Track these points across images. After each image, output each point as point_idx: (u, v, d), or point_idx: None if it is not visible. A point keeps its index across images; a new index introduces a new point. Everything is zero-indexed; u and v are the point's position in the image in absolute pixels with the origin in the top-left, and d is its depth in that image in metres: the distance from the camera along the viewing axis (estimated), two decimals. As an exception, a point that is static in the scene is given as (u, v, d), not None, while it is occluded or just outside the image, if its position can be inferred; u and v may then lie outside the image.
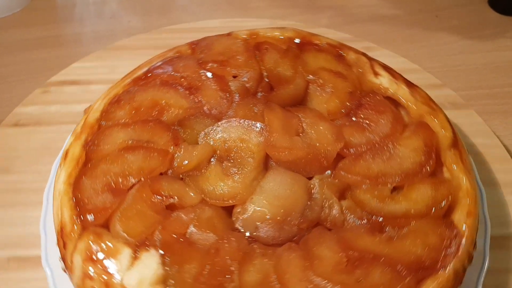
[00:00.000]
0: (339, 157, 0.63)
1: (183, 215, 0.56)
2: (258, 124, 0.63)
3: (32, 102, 0.86)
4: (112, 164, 0.60)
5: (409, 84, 0.71)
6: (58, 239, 0.56)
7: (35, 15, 1.13)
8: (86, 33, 1.09)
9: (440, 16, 1.19)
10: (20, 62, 1.01)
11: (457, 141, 0.63)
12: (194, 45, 0.78)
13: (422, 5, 1.23)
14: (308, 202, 0.59)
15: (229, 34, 0.79)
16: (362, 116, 0.67)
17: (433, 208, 0.56)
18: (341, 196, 0.60)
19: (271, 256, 0.53)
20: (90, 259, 0.52)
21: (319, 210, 0.58)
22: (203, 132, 0.64)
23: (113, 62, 0.94)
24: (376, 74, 0.72)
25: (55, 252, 0.57)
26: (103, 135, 0.64)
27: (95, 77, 0.91)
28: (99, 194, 0.57)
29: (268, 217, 0.57)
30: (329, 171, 0.62)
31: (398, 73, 0.73)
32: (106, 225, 0.55)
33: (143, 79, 0.72)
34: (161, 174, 0.61)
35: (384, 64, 0.75)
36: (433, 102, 0.69)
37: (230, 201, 0.58)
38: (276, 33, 0.78)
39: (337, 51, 0.76)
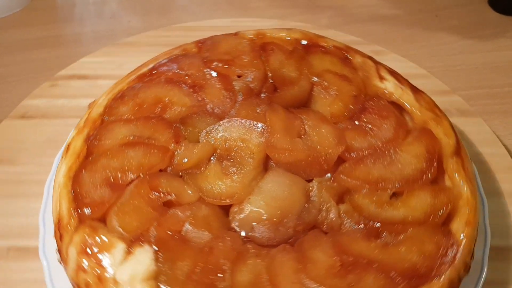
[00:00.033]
0: (340, 160, 0.62)
1: (179, 213, 0.56)
2: (259, 125, 0.63)
3: (40, 95, 0.87)
4: (112, 159, 0.60)
5: (415, 90, 0.70)
6: (55, 231, 0.56)
7: (35, 15, 1.14)
8: (86, 33, 1.09)
9: (440, 16, 1.19)
10: (19, 62, 1.01)
11: (460, 148, 0.63)
12: (201, 44, 0.78)
13: (422, 5, 1.23)
14: (306, 205, 0.58)
15: (236, 34, 0.79)
16: (365, 120, 0.67)
17: (432, 215, 0.55)
18: (340, 199, 0.60)
19: (265, 257, 0.53)
20: (84, 252, 0.52)
21: (316, 213, 0.58)
22: (204, 131, 0.64)
23: (121, 58, 0.94)
24: (381, 78, 0.71)
25: (53, 244, 0.58)
26: (105, 130, 0.64)
27: (103, 72, 0.92)
28: (98, 188, 0.57)
29: (264, 217, 0.57)
30: (329, 174, 0.62)
31: (404, 78, 0.72)
32: (103, 219, 0.56)
33: (148, 76, 0.72)
34: (160, 171, 0.61)
35: (390, 68, 0.74)
36: (438, 108, 0.68)
37: (227, 201, 0.58)
38: (282, 34, 0.78)
39: (343, 54, 0.75)
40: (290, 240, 0.56)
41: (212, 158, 0.62)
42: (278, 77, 0.72)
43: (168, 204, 0.58)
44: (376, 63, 0.74)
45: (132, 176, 0.59)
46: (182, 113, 0.67)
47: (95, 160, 0.60)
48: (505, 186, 0.74)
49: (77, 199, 0.56)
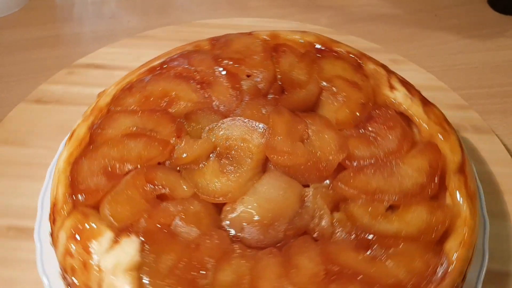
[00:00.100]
0: (341, 168, 0.62)
1: (171, 207, 0.56)
2: (261, 126, 0.63)
3: (56, 81, 0.89)
4: (112, 148, 0.61)
5: (425, 102, 0.68)
6: (50, 214, 0.58)
7: (33, 15, 1.14)
8: (85, 33, 1.10)
9: (439, 16, 1.19)
10: (18, 62, 1.01)
11: (464, 166, 0.60)
12: (214, 41, 0.78)
13: (422, 5, 1.22)
14: (299, 210, 0.58)
15: (250, 34, 0.79)
16: (370, 129, 0.66)
17: (426, 232, 0.54)
18: (335, 207, 0.59)
19: (250, 259, 0.52)
20: (73, 237, 0.53)
21: (309, 219, 0.57)
22: (207, 127, 0.64)
23: (139, 50, 0.96)
24: (392, 88, 0.70)
25: (48, 227, 0.59)
26: (109, 119, 0.65)
27: (120, 63, 0.93)
28: (95, 176, 0.58)
29: (255, 219, 0.56)
30: (328, 181, 0.61)
31: (415, 90, 0.71)
32: (97, 207, 0.57)
33: (158, 70, 0.73)
34: (159, 164, 0.61)
35: (403, 78, 0.72)
36: (447, 123, 0.66)
37: (221, 199, 0.58)
38: (296, 36, 0.77)
39: (356, 60, 0.74)
40: (279, 244, 0.56)
41: (211, 155, 0.62)
42: (287, 79, 0.72)
43: (162, 198, 0.58)
44: (389, 72, 0.73)
45: (129, 166, 0.59)
46: (188, 108, 0.68)
47: (96, 148, 0.61)
48: (513, 208, 0.72)
49: (73, 185, 0.57)
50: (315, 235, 0.57)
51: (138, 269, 0.50)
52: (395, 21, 1.16)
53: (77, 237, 0.53)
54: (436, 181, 0.59)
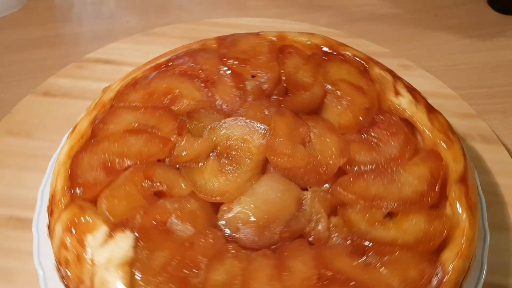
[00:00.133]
0: (342, 172, 0.61)
1: (167, 204, 0.56)
2: (263, 127, 0.63)
3: (65, 75, 0.90)
4: (113, 143, 0.61)
5: (430, 109, 0.67)
6: (48, 206, 0.58)
7: (32, 15, 1.13)
8: (84, 33, 1.09)
9: (439, 15, 1.18)
10: (18, 62, 1.00)
11: (467, 176, 0.59)
12: (221, 40, 0.78)
13: (422, 4, 1.22)
14: (296, 213, 0.57)
15: (258, 34, 0.79)
16: (373, 134, 0.65)
17: (423, 241, 0.53)
18: (333, 212, 0.58)
19: (243, 260, 0.52)
20: (69, 230, 0.53)
21: (305, 222, 0.57)
22: (209, 126, 0.64)
23: (148, 47, 0.96)
24: (397, 93, 0.69)
25: (46, 219, 0.59)
26: (112, 114, 0.66)
27: (128, 59, 0.94)
28: (94, 170, 0.58)
29: (251, 220, 0.56)
30: (327, 185, 0.61)
31: (421, 96, 0.70)
32: (94, 201, 0.57)
33: (164, 67, 0.73)
34: (159, 161, 0.62)
35: (409, 85, 0.72)
36: (452, 131, 0.65)
37: (218, 198, 0.58)
38: (303, 38, 0.77)
39: (362, 64, 0.73)
40: (274, 246, 0.55)
41: (212, 154, 0.62)
42: (292, 81, 0.71)
43: (159, 195, 0.58)
44: (395, 77, 0.72)
45: (129, 162, 0.60)
46: (191, 106, 0.68)
47: (97, 143, 0.62)
48: (517, 221, 0.70)
49: (72, 178, 0.58)
50: (311, 239, 0.56)
51: (131, 264, 0.50)
52: (395, 21, 1.16)
53: (73, 230, 0.53)
54: (436, 190, 0.58)
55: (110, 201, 0.56)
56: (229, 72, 0.71)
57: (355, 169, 0.61)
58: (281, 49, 0.75)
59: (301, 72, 0.72)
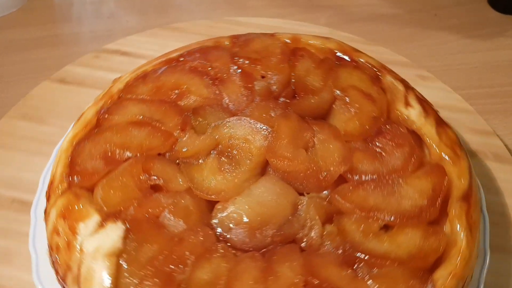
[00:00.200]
0: (343, 180, 0.60)
1: (162, 198, 0.56)
2: (266, 128, 0.62)
3: (82, 64, 0.91)
4: (116, 134, 0.62)
5: (440, 123, 0.65)
6: (46, 191, 0.59)
7: (32, 14, 1.13)
8: (84, 33, 1.09)
9: (439, 15, 1.17)
10: (17, 62, 1.00)
11: (470, 194, 0.57)
12: (235, 39, 0.78)
13: (422, 4, 1.21)
14: (290, 217, 0.57)
15: (272, 35, 0.78)
16: (378, 144, 0.64)
17: (416, 257, 0.52)
18: (329, 220, 0.57)
19: (230, 260, 0.52)
20: (62, 216, 0.54)
21: (299, 228, 0.56)
22: (213, 124, 0.64)
23: (166, 41, 0.97)
24: (407, 104, 0.67)
25: (44, 203, 0.60)
26: (118, 105, 0.66)
27: (145, 52, 0.95)
28: (94, 159, 0.59)
29: (244, 221, 0.56)
30: (326, 192, 0.60)
31: (433, 109, 0.68)
32: (92, 190, 0.57)
33: (175, 62, 0.74)
34: (159, 155, 0.62)
35: (421, 96, 0.70)
36: (460, 147, 0.63)
37: (213, 196, 0.58)
38: (317, 42, 0.76)
39: (375, 72, 0.72)
40: (264, 250, 0.55)
41: (212, 152, 0.62)
42: (301, 84, 0.71)
43: (156, 188, 0.58)
44: (407, 88, 0.70)
45: (129, 154, 0.60)
46: (197, 103, 0.68)
47: (100, 132, 0.62)
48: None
49: (71, 165, 0.59)
50: (303, 244, 0.55)
51: (118, 255, 0.51)
52: (395, 21, 1.15)
53: (66, 216, 0.54)
54: (437, 206, 0.56)
55: (105, 191, 0.56)
56: (239, 71, 0.71)
57: (356, 178, 0.60)
58: (294, 51, 0.74)
59: (312, 76, 0.71)
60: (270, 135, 0.62)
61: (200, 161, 0.61)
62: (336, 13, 1.16)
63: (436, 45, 1.09)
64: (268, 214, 0.56)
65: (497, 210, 0.71)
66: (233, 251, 0.54)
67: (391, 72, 0.73)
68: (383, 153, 0.62)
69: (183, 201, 0.57)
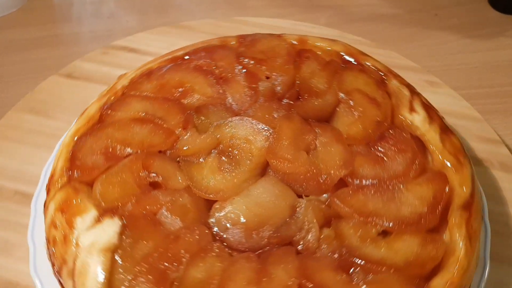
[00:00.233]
0: (344, 184, 0.60)
1: (160, 195, 0.56)
2: (268, 129, 0.62)
3: (90, 59, 0.92)
4: (118, 130, 0.62)
5: (444, 129, 0.65)
6: (47, 185, 0.59)
7: (32, 14, 1.13)
8: (84, 33, 1.09)
9: (439, 15, 1.17)
10: (17, 62, 1.00)
11: (472, 203, 0.56)
12: (242, 39, 0.78)
13: (422, 4, 1.21)
14: (288, 219, 0.56)
15: (279, 36, 0.78)
16: (380, 149, 0.63)
17: (413, 265, 0.51)
18: (327, 223, 0.57)
19: (225, 260, 0.52)
20: (60, 209, 0.54)
21: (296, 230, 0.56)
22: (215, 123, 0.64)
23: (175, 39, 0.97)
24: (412, 109, 0.67)
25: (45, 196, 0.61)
26: (122, 102, 0.67)
27: (153, 49, 0.95)
28: (94, 154, 0.59)
29: (241, 221, 0.55)
30: (326, 195, 0.59)
31: (438, 115, 0.67)
32: (91, 185, 0.58)
33: (180, 60, 0.74)
34: (160, 152, 0.62)
35: (427, 102, 0.69)
36: (464, 155, 0.62)
37: (212, 195, 0.58)
38: (324, 44, 0.75)
39: (380, 76, 0.71)
40: (260, 251, 0.55)
41: (213, 151, 0.62)
42: (306, 86, 0.70)
43: (155, 186, 0.58)
44: (413, 93, 0.69)
45: (130, 150, 0.60)
46: (200, 101, 0.68)
47: (102, 128, 0.63)
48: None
49: (72, 160, 0.59)
50: (299, 247, 0.55)
51: (114, 251, 0.51)
52: (395, 21, 1.15)
53: (64, 210, 0.54)
54: (437, 214, 0.55)
55: (104, 186, 0.56)
56: (244, 71, 0.71)
57: (357, 182, 0.60)
58: (300, 53, 0.74)
59: (316, 78, 0.71)
60: (271, 136, 0.62)
61: (200, 160, 0.61)
62: (336, 13, 1.16)
63: (436, 45, 1.09)
64: (265, 215, 0.56)
65: (501, 220, 0.69)
66: (229, 251, 0.54)
67: (397, 77, 0.72)
68: (385, 158, 0.62)
69: (181, 199, 0.57)
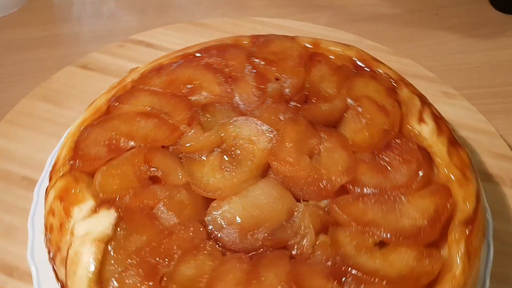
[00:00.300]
0: (345, 191, 0.59)
1: (158, 190, 0.57)
2: (272, 131, 0.62)
3: (107, 52, 0.93)
4: (123, 123, 0.63)
5: (453, 143, 0.63)
6: (50, 172, 0.60)
7: (32, 14, 1.12)
8: (83, 33, 1.09)
9: (440, 15, 1.16)
10: (17, 62, 0.99)
11: (474, 220, 0.55)
12: (255, 39, 0.78)
13: (422, 4, 1.19)
14: (284, 223, 0.56)
15: (293, 38, 0.78)
16: (385, 157, 0.62)
17: (407, 278, 0.50)
18: (324, 230, 0.56)
19: (216, 259, 0.51)
20: (59, 197, 0.55)
21: (291, 234, 0.55)
22: (220, 122, 0.64)
23: (190, 36, 0.98)
24: (421, 120, 0.65)
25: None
26: (130, 95, 0.67)
27: (169, 45, 0.96)
28: (98, 145, 0.60)
29: (236, 221, 0.55)
30: (326, 201, 0.59)
31: (447, 128, 0.65)
32: (93, 175, 0.58)
33: (192, 57, 0.74)
34: (163, 147, 0.62)
35: (438, 113, 0.67)
36: (471, 170, 0.60)
37: (210, 194, 0.58)
38: (337, 49, 0.75)
39: (392, 84, 0.70)
40: (254, 253, 0.54)
41: (216, 149, 0.62)
42: (315, 90, 0.70)
43: (155, 180, 0.59)
44: (424, 103, 0.68)
45: (133, 143, 0.61)
46: (208, 99, 0.68)
47: (107, 120, 0.63)
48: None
49: (76, 149, 0.60)
50: (294, 252, 0.55)
51: (107, 242, 0.51)
52: (395, 21, 1.13)
53: (62, 198, 0.55)
54: (437, 228, 0.54)
55: (104, 177, 0.57)
56: (254, 71, 0.71)
57: (358, 190, 0.59)
58: (311, 56, 0.73)
59: (326, 82, 0.70)
60: (275, 138, 0.61)
61: (202, 157, 0.61)
62: (336, 13, 1.15)
63: (437, 45, 1.07)
64: (261, 217, 0.56)
65: (508, 240, 0.67)
66: (222, 251, 0.54)
67: (409, 86, 0.71)
68: (389, 168, 0.61)
69: (178, 195, 0.57)
